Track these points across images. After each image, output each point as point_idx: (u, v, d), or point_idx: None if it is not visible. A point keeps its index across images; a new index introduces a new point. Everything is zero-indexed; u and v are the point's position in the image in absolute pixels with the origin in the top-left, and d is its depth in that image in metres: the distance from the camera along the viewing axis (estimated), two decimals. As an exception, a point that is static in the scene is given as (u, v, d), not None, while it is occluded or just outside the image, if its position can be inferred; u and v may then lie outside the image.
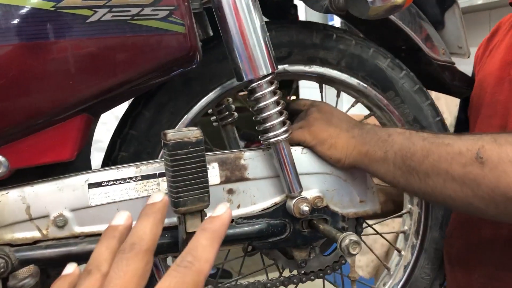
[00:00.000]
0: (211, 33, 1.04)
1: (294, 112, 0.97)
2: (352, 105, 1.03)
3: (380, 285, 1.07)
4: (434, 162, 0.75)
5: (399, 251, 1.07)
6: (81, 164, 0.81)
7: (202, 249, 0.44)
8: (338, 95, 1.01)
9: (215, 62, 0.88)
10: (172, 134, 0.72)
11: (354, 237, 0.80)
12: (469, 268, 0.97)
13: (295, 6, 1.10)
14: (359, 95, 0.98)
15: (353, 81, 0.96)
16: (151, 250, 0.46)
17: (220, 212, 0.48)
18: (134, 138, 0.86)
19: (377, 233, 1.08)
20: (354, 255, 0.80)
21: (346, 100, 1.05)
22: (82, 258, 0.77)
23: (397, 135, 0.82)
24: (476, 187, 0.71)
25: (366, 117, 1.05)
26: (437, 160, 0.75)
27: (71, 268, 0.50)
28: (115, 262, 0.44)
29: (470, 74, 1.10)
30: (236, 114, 1.09)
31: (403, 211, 1.07)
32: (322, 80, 0.97)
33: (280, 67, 0.91)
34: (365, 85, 0.96)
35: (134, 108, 0.87)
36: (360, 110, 1.08)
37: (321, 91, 1.01)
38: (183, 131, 0.73)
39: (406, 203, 1.08)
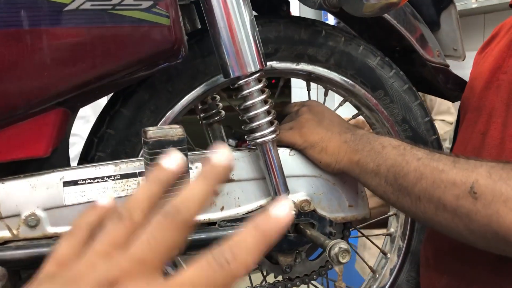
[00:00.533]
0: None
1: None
2: (340, 104, 1.00)
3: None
4: (427, 187, 0.73)
5: (385, 254, 1.04)
6: (57, 161, 0.76)
7: (246, 251, 0.36)
8: (326, 94, 0.98)
9: (199, 58, 0.84)
10: (153, 132, 0.69)
11: (344, 245, 0.77)
12: (440, 271, 0.95)
13: (288, 2, 1.06)
14: (347, 94, 0.95)
15: (342, 79, 0.93)
16: (193, 222, 0.39)
17: (280, 213, 0.37)
18: (111, 137, 0.81)
19: (363, 235, 1.05)
20: (344, 263, 0.77)
21: (338, 100, 1.02)
22: (54, 260, 0.73)
23: (391, 148, 0.80)
24: (468, 221, 0.69)
25: (354, 116, 1.02)
26: (430, 186, 0.73)
27: (106, 200, 0.43)
28: (152, 224, 0.37)
29: (466, 78, 1.07)
30: (223, 112, 1.05)
31: (390, 213, 1.05)
32: (309, 78, 0.93)
33: (267, 64, 0.87)
34: (354, 84, 0.93)
35: (112, 105, 0.83)
36: (349, 112, 1.05)
37: (308, 90, 0.97)
38: (165, 129, 0.69)
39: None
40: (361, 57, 0.93)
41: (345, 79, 0.93)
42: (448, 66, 1.04)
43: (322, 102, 0.97)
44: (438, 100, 2.30)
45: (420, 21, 1.00)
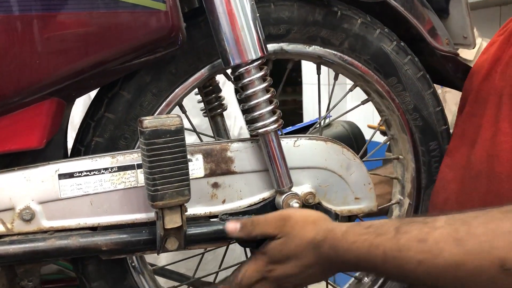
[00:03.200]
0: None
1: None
2: (350, 90, 0.96)
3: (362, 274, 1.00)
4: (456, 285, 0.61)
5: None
6: (52, 153, 0.74)
7: None
8: (335, 78, 0.94)
9: (205, 37, 0.79)
10: (149, 121, 0.66)
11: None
12: None
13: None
14: (358, 79, 0.92)
15: (355, 64, 0.88)
16: None
17: None
18: (110, 121, 0.78)
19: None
20: None
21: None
22: (50, 255, 0.71)
23: (382, 265, 0.67)
24: None
25: (364, 102, 0.99)
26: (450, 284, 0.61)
27: None
28: None
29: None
30: (226, 105, 1.02)
31: (393, 202, 1.01)
32: (321, 61, 0.90)
33: (277, 45, 0.83)
34: (368, 69, 0.89)
35: (110, 87, 0.78)
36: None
37: (318, 74, 0.94)
38: (161, 118, 0.67)
39: (396, 193, 1.01)
40: (377, 42, 0.89)
41: (359, 63, 0.88)
42: (457, 54, 1.01)
43: (332, 86, 0.93)
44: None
45: (429, 8, 0.97)
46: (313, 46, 0.86)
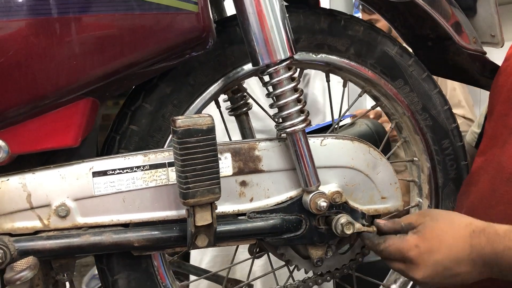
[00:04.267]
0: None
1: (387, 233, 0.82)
2: (360, 95, 0.98)
3: (390, 282, 1.01)
4: None
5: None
6: (86, 151, 0.76)
7: None
8: (344, 85, 0.95)
9: (220, 49, 0.82)
10: (182, 121, 0.68)
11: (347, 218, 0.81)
12: None
13: (317, -10, 1.04)
14: (366, 84, 0.93)
15: (362, 69, 0.90)
16: None
17: None
18: (134, 133, 0.80)
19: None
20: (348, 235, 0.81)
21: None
22: (84, 250, 0.73)
23: None
24: None
25: (373, 107, 0.99)
26: None
27: None
28: None
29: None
30: (251, 103, 1.03)
31: (412, 205, 1.01)
32: (329, 69, 0.91)
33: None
34: (374, 73, 0.91)
35: (133, 101, 0.82)
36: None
37: (327, 80, 0.95)
38: (194, 118, 0.68)
39: (414, 196, 1.02)
40: (381, 46, 0.91)
41: (366, 68, 0.91)
42: (485, 53, 1.00)
43: (341, 93, 0.95)
44: (449, 92, 2.24)
45: (455, 7, 0.96)
46: (321, 54, 0.88)
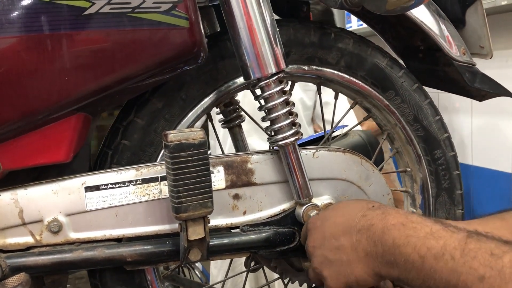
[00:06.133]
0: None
1: None
2: (351, 107, 0.98)
3: None
4: None
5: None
6: (78, 166, 0.76)
7: None
8: (336, 97, 0.96)
9: (212, 64, 0.83)
10: (174, 135, 0.68)
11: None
12: None
13: (308, 4, 1.05)
14: (357, 96, 0.94)
15: (353, 81, 0.91)
16: None
17: None
18: (126, 148, 0.81)
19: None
20: None
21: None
22: (77, 266, 0.73)
23: (433, 260, 0.57)
24: None
25: (365, 118, 1.00)
26: None
27: None
28: None
29: (492, 76, 1.03)
30: (244, 116, 1.04)
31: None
32: (320, 81, 0.92)
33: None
34: (365, 85, 0.92)
35: (125, 116, 0.82)
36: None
37: (319, 93, 0.96)
38: (186, 132, 0.69)
39: (407, 205, 1.02)
40: (371, 58, 0.92)
41: (356, 80, 0.91)
42: (474, 64, 1.01)
43: (333, 104, 0.95)
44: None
45: (445, 19, 0.98)
46: (312, 67, 0.89)
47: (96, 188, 0.74)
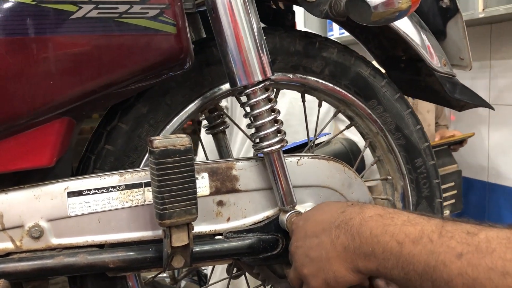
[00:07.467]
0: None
1: None
2: (334, 115, 0.99)
3: None
4: None
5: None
6: (61, 171, 0.75)
7: None
8: (319, 105, 0.97)
9: (197, 70, 0.83)
10: (159, 141, 0.68)
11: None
12: None
13: (293, 12, 1.06)
14: (341, 104, 0.95)
15: (337, 89, 0.92)
16: None
17: None
18: (110, 153, 0.80)
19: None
20: None
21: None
22: (58, 272, 0.72)
23: (412, 245, 0.58)
24: None
25: (348, 127, 1.02)
26: None
27: None
28: None
29: (473, 88, 1.06)
30: (228, 122, 1.04)
31: None
32: (304, 89, 0.93)
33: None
34: (348, 94, 0.93)
35: (109, 121, 0.81)
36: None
37: (303, 101, 0.97)
38: (171, 138, 0.68)
39: (398, 204, 1.04)
40: (354, 67, 0.93)
41: (340, 89, 0.93)
42: (455, 75, 1.04)
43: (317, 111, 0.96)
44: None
45: (427, 30, 1.00)
46: (297, 75, 0.90)
47: (79, 193, 0.73)
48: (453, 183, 2.35)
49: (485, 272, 0.50)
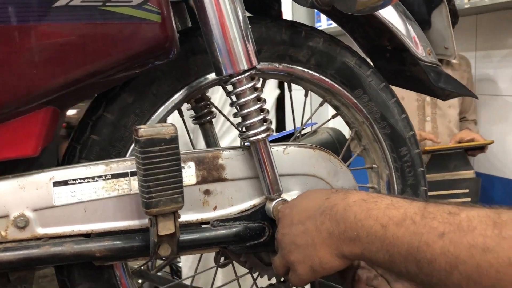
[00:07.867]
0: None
1: None
2: (320, 105, 1.00)
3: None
4: (470, 274, 0.51)
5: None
6: (46, 160, 0.75)
7: None
8: (306, 95, 0.98)
9: (183, 59, 0.83)
10: (144, 130, 0.68)
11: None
12: None
13: (279, 2, 1.06)
14: (327, 94, 0.96)
15: (323, 79, 0.93)
16: None
17: None
18: (95, 143, 0.80)
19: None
20: None
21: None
22: (44, 261, 0.71)
23: (395, 227, 0.58)
24: None
25: (334, 116, 1.02)
26: (474, 272, 0.51)
27: None
28: None
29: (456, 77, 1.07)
30: (215, 112, 1.04)
31: None
32: (290, 78, 0.93)
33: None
34: (334, 83, 0.94)
35: (94, 110, 0.81)
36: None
37: (290, 90, 0.97)
38: (157, 127, 0.68)
39: (383, 192, 1.05)
40: (340, 57, 0.94)
41: (326, 78, 0.93)
42: (439, 65, 1.05)
43: (303, 102, 0.97)
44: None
45: (412, 20, 1.00)
46: (283, 65, 0.90)
47: (65, 183, 0.73)
48: (467, 190, 2.17)
49: (467, 250, 0.51)
